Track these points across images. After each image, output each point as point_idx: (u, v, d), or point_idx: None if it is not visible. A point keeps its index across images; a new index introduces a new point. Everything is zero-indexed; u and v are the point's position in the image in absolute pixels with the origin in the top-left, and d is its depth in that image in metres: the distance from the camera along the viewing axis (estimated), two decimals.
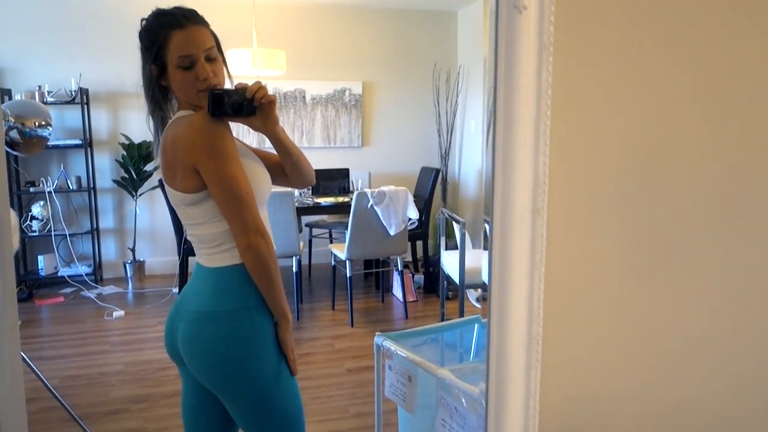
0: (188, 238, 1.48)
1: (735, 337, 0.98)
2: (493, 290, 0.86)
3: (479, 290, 4.51)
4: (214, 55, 1.44)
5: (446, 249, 3.91)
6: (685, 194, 0.93)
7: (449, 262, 3.74)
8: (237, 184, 1.36)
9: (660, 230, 0.93)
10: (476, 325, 2.35)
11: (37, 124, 2.42)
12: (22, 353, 1.87)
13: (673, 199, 0.93)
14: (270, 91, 1.47)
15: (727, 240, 0.95)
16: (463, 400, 1.52)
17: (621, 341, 0.93)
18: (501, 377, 0.87)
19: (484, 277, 3.63)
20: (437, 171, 5.19)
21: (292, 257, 4.22)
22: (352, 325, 4.15)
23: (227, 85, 1.48)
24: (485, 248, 0.92)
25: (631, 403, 0.96)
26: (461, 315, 3.55)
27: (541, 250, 0.86)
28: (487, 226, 0.90)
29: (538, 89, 0.83)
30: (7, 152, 2.66)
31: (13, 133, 2.32)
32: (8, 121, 2.31)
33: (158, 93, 1.47)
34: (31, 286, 5.04)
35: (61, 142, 5.05)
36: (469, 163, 5.71)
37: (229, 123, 1.44)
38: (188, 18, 1.41)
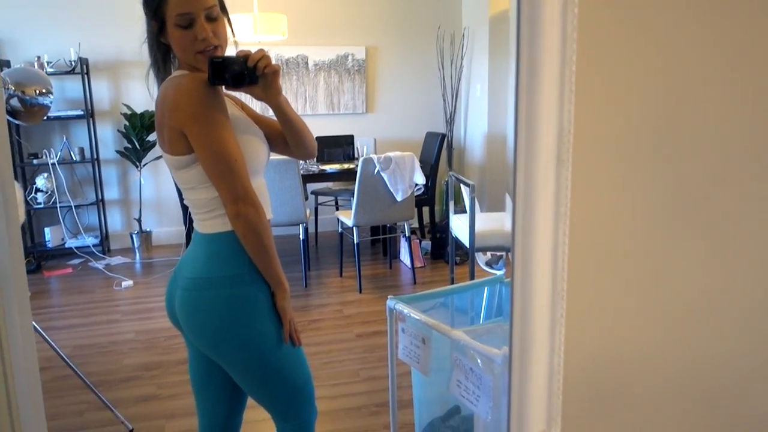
0: (185, 202, 1.45)
1: (767, 292, 0.95)
2: (516, 246, 0.83)
3: (488, 254, 4.50)
4: (216, 14, 1.37)
5: (453, 213, 3.89)
6: (714, 144, 0.89)
7: (458, 226, 3.72)
8: (224, 151, 1.31)
9: (689, 180, 0.89)
10: (486, 288, 2.34)
11: (37, 91, 2.37)
12: (33, 323, 1.87)
13: (702, 147, 0.89)
14: (272, 59, 1.41)
15: (759, 192, 0.92)
16: (479, 361, 1.51)
17: (648, 296, 0.91)
18: (525, 335, 0.85)
19: (503, 241, 3.62)
20: (443, 136, 5.13)
21: (298, 225, 4.20)
22: (360, 292, 4.15)
23: (230, 50, 1.43)
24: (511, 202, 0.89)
25: (657, 359, 0.94)
26: (471, 278, 3.54)
27: (566, 203, 0.83)
28: (511, 181, 0.87)
29: (563, 33, 0.79)
30: (9, 122, 2.62)
31: (14, 102, 2.28)
32: (8, 89, 2.27)
33: (158, 50, 1.42)
34: (39, 257, 5.05)
35: (62, 113, 5.00)
36: (475, 128, 5.64)
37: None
38: None
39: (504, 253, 4.38)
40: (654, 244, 0.90)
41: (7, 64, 4.90)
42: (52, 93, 2.48)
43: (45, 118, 2.74)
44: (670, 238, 0.91)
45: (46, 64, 4.86)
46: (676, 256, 0.91)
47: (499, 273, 2.33)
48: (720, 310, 0.94)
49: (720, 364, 0.96)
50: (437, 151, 5.08)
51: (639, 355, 0.93)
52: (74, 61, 4.95)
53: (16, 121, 2.45)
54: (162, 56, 1.43)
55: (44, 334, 2.44)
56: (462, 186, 3.66)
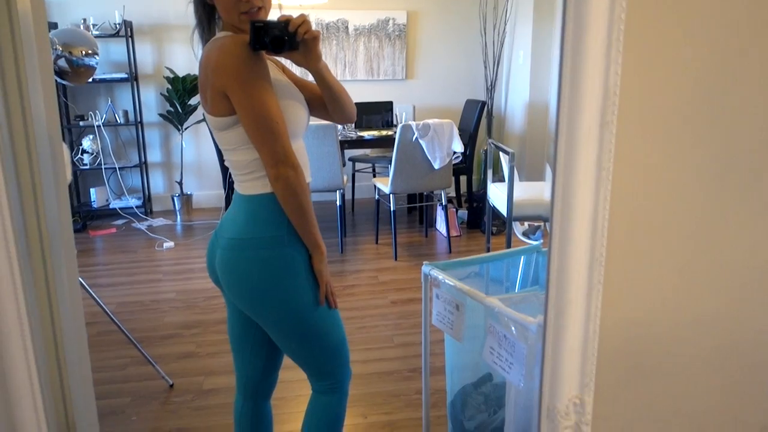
0: (226, 163, 1.47)
1: None
2: (555, 208, 0.81)
3: (526, 224, 4.45)
4: None
5: (492, 182, 3.85)
6: (764, 112, 0.85)
7: (496, 195, 3.68)
8: (266, 113, 1.31)
9: (737, 147, 0.86)
10: (522, 257, 2.32)
11: (84, 52, 2.41)
12: (80, 279, 1.93)
13: (752, 116, 0.85)
14: (313, 23, 1.40)
15: None
16: (513, 329, 1.50)
17: (691, 264, 0.89)
18: (560, 299, 0.84)
19: (539, 210, 3.58)
20: (483, 104, 5.05)
21: (335, 191, 4.22)
22: (395, 259, 4.16)
23: (274, 12, 1.42)
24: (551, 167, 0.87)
25: (699, 330, 0.92)
26: (508, 248, 3.51)
27: (608, 167, 0.81)
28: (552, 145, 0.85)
29: None
30: (56, 83, 2.68)
31: (61, 62, 2.33)
32: (56, 49, 2.32)
33: (203, 11, 1.42)
34: (85, 217, 5.20)
35: (107, 76, 5.09)
36: (516, 96, 5.53)
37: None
38: None
39: (542, 224, 4.33)
40: (698, 212, 0.88)
41: (54, 26, 4.99)
42: (98, 54, 2.52)
43: (90, 79, 2.79)
44: (715, 207, 0.88)
45: (91, 26, 4.93)
46: (722, 224, 0.89)
47: (536, 243, 2.30)
48: (766, 281, 0.92)
49: (764, 337, 0.94)
50: (477, 119, 5.01)
51: (679, 325, 0.91)
52: (118, 24, 5.01)
53: (63, 82, 2.50)
54: (207, 17, 1.44)
55: (90, 290, 2.52)
56: (501, 154, 3.62)
